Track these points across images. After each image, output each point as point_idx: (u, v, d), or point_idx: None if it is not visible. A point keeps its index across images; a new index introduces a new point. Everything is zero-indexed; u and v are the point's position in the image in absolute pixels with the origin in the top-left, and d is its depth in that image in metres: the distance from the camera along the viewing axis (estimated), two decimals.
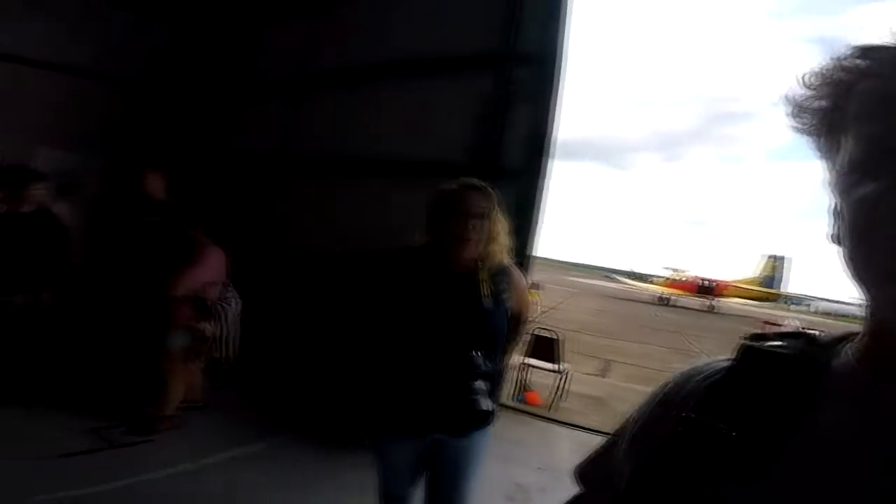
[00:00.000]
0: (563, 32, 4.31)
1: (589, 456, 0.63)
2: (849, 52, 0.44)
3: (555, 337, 5.09)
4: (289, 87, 5.98)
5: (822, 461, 0.41)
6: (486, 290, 1.60)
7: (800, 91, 0.47)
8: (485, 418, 1.51)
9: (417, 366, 1.54)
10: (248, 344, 3.40)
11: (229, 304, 3.20)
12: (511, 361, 4.85)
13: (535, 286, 16.11)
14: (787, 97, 0.48)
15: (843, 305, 56.38)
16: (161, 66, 6.73)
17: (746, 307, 32.85)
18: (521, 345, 4.35)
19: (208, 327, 3.02)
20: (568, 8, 4.35)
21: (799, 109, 0.48)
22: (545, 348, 5.04)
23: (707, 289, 32.31)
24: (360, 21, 5.56)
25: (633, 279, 41.82)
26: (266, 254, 5.56)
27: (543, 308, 14.40)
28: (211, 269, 3.10)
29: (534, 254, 4.47)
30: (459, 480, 1.70)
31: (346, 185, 5.17)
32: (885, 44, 0.42)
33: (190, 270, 3.00)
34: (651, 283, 36.46)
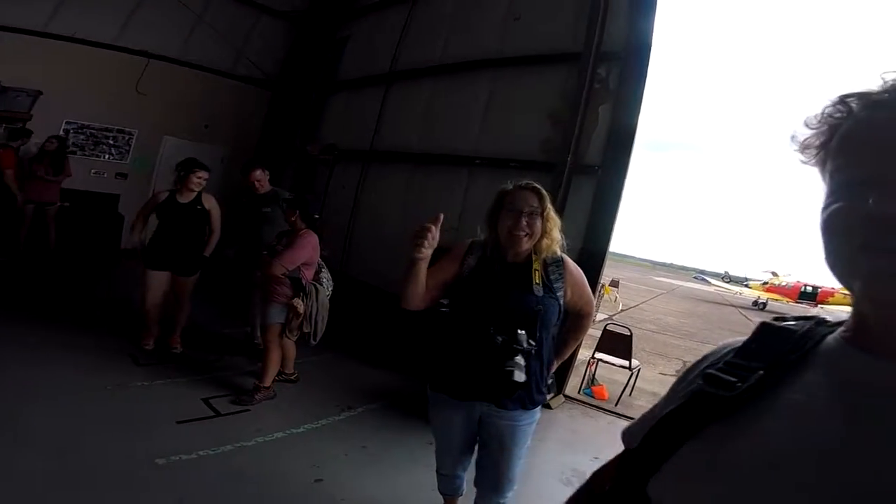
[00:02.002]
0: (650, 31, 4.26)
1: (635, 419, 0.76)
2: (838, 97, 0.55)
3: (627, 333, 5.06)
4: (377, 87, 6.43)
5: (795, 408, 0.52)
6: (537, 278, 1.77)
7: (803, 131, 0.57)
8: (515, 387, 1.68)
9: (470, 339, 1.74)
10: (336, 320, 3.71)
11: (321, 284, 3.49)
12: (581, 355, 4.96)
13: (614, 283, 15.69)
14: (793, 136, 0.58)
15: None
16: (287, 69, 7.64)
17: None
18: (589, 339, 4.41)
19: (301, 304, 3.32)
20: (655, 6, 4.27)
21: (802, 147, 0.57)
22: (617, 344, 5.03)
23: (810, 295, 29.34)
24: (445, 18, 5.81)
25: (726, 282, 38.98)
26: (356, 237, 6.06)
27: (624, 306, 14.00)
28: (306, 251, 3.38)
29: (610, 250, 4.46)
30: (503, 458, 1.86)
31: (435, 175, 5.47)
32: (863, 90, 0.53)
33: (288, 253, 3.32)
34: (747, 286, 33.77)
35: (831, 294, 30.10)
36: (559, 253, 1.86)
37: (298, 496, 2.49)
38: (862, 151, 0.52)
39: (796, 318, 0.63)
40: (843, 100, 0.54)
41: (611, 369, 5.19)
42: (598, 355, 5.06)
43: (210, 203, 3.89)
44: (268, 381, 3.45)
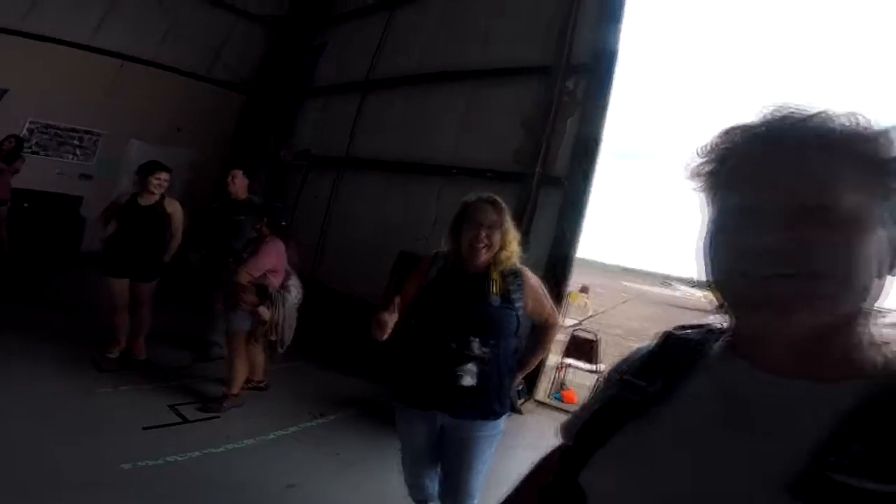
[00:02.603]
0: (615, 43, 4.46)
1: (569, 415, 0.85)
2: (724, 129, 0.62)
3: (594, 338, 5.23)
4: (353, 94, 6.47)
5: (687, 406, 0.63)
6: (494, 288, 1.83)
7: (695, 159, 0.63)
8: (465, 393, 1.76)
9: (427, 348, 1.82)
10: (307, 328, 3.71)
11: (288, 292, 3.46)
12: (551, 360, 5.09)
13: (584, 289, 16.00)
14: (686, 164, 0.64)
15: None
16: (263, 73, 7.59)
17: None
18: (556, 345, 4.53)
19: (266, 312, 3.29)
20: (621, 20, 4.48)
21: (693, 174, 0.63)
22: (584, 349, 5.20)
23: None
24: (422, 31, 5.91)
25: (691, 286, 40.19)
26: (328, 245, 6.08)
27: (592, 312, 14.28)
28: (271, 258, 3.37)
29: (580, 256, 4.60)
30: (462, 470, 1.89)
31: (410, 184, 5.53)
32: (746, 123, 0.60)
33: (253, 260, 3.30)
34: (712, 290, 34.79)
35: None
36: (518, 265, 1.92)
37: (269, 502, 2.49)
38: (741, 182, 0.58)
39: (694, 327, 0.71)
40: (728, 132, 0.60)
41: (579, 374, 5.34)
42: (567, 360, 5.20)
43: (173, 207, 3.81)
44: (236, 389, 3.42)
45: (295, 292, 3.54)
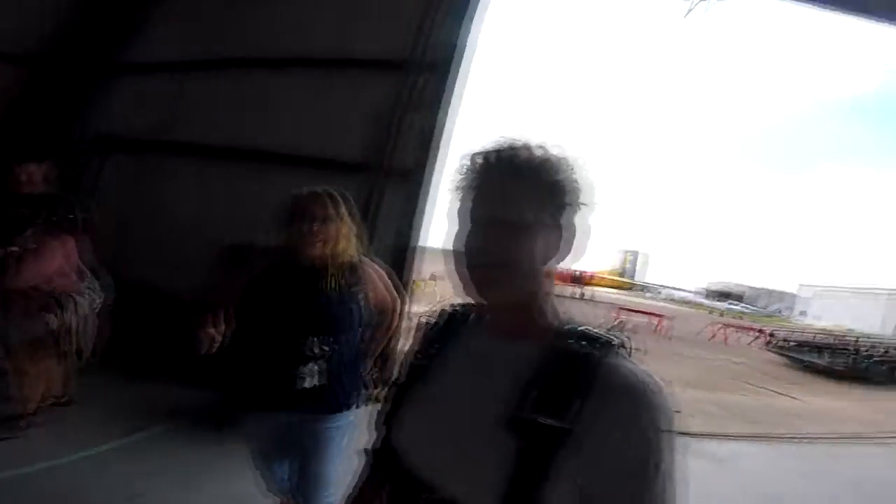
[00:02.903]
0: (470, 42, 4.73)
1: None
2: (471, 153, 0.83)
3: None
4: (177, 74, 5.69)
5: (454, 367, 0.86)
6: (330, 283, 1.78)
7: (455, 176, 0.84)
8: (307, 394, 1.70)
9: (261, 348, 1.75)
10: (121, 335, 3.35)
11: (81, 295, 3.00)
12: (399, 347, 5.24)
13: (433, 277, 16.70)
14: (451, 179, 0.84)
15: (686, 293, 65.80)
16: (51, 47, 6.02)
17: (611, 295, 37.24)
18: (404, 332, 4.75)
19: (53, 319, 2.83)
20: (476, 20, 4.77)
21: (453, 188, 0.84)
22: None
23: (578, 279, 35.77)
24: (266, 14, 5.46)
25: None
26: (141, 240, 5.28)
27: (441, 297, 15.01)
28: (55, 259, 2.89)
29: (418, 245, 4.83)
30: (314, 465, 1.81)
31: (234, 174, 5.13)
32: (484, 149, 0.82)
33: (32, 261, 2.79)
34: None
35: (592, 277, 37.31)
36: (357, 257, 1.88)
37: None
38: (469, 196, 0.82)
39: (462, 305, 0.95)
40: (472, 157, 0.82)
41: None
42: None
43: None
44: (30, 407, 2.89)
45: (91, 295, 3.06)
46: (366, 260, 1.94)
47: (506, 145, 0.80)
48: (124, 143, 5.73)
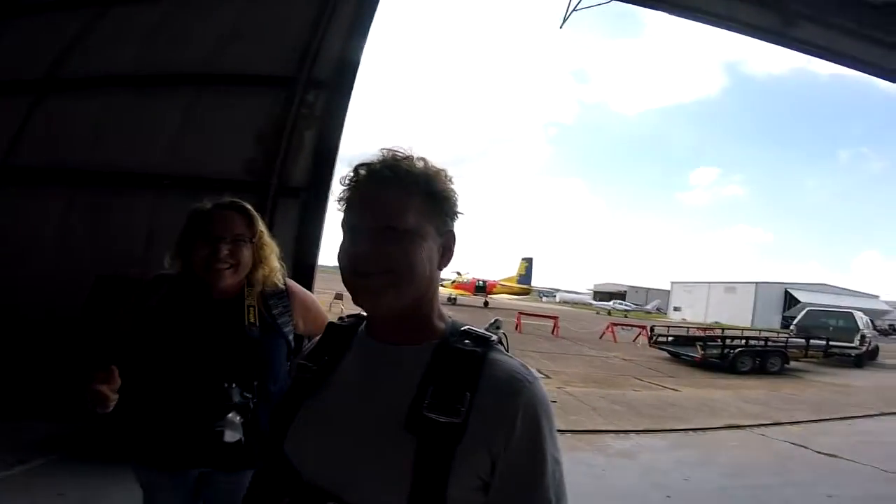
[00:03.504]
0: (358, 59, 4.65)
1: None
2: (355, 165, 0.84)
3: None
4: (28, 91, 4.94)
5: (345, 376, 0.85)
6: (251, 316, 1.50)
7: (339, 187, 0.85)
8: (230, 449, 1.40)
9: (167, 397, 1.44)
10: None
11: None
12: None
13: (338, 297, 16.21)
14: (335, 191, 0.87)
15: (577, 295, 70.75)
16: None
17: (513, 301, 38.88)
18: None
19: None
20: (367, 37, 4.70)
21: (337, 199, 0.85)
22: None
23: (482, 288, 36.87)
24: (139, 30, 4.98)
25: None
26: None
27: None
28: None
29: (327, 264, 4.62)
30: None
31: (110, 198, 4.60)
32: (367, 161, 0.83)
33: None
34: (442, 285, 39.75)
35: (494, 286, 38.74)
36: (282, 281, 1.61)
37: None
38: (353, 207, 0.82)
39: (352, 316, 0.95)
40: (355, 168, 0.83)
41: None
42: None
43: None
44: None
45: None
46: (292, 283, 1.66)
47: (389, 156, 0.82)
48: None
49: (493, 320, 0.89)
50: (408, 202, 0.79)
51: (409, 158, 0.82)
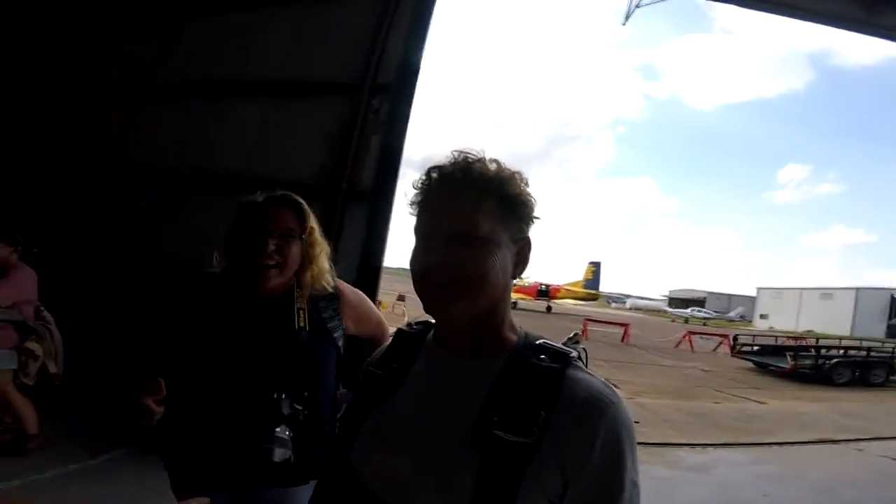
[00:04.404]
0: (419, 62, 4.75)
1: None
2: (427, 168, 0.82)
3: None
4: (129, 97, 5.46)
5: (413, 386, 0.83)
6: (301, 320, 1.38)
7: (411, 191, 0.83)
8: (279, 468, 1.29)
9: (211, 408, 1.32)
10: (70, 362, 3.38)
11: (50, 324, 3.22)
12: None
13: (401, 298, 16.56)
14: (406, 194, 0.84)
15: (651, 301, 67.46)
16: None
17: (577, 306, 37.78)
18: None
19: (37, 347, 3.10)
20: (426, 41, 4.79)
21: (409, 204, 0.83)
22: None
23: (544, 292, 36.14)
24: (220, 39, 5.38)
25: None
26: (92, 274, 4.97)
27: (409, 318, 14.88)
28: (27, 289, 3.14)
29: (395, 266, 4.78)
30: None
31: (189, 201, 4.92)
32: (440, 164, 0.80)
33: (6, 290, 3.02)
34: None
35: (558, 290, 37.85)
36: (332, 283, 1.50)
37: None
38: (425, 212, 0.80)
39: (420, 323, 0.93)
40: (427, 171, 0.81)
41: None
42: None
43: None
44: (31, 427, 3.14)
45: (53, 323, 3.27)
46: (341, 284, 1.55)
47: (461, 158, 0.79)
48: (71, 167, 5.39)
49: (571, 334, 0.89)
50: (481, 207, 0.76)
51: (481, 161, 0.79)
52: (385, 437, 0.80)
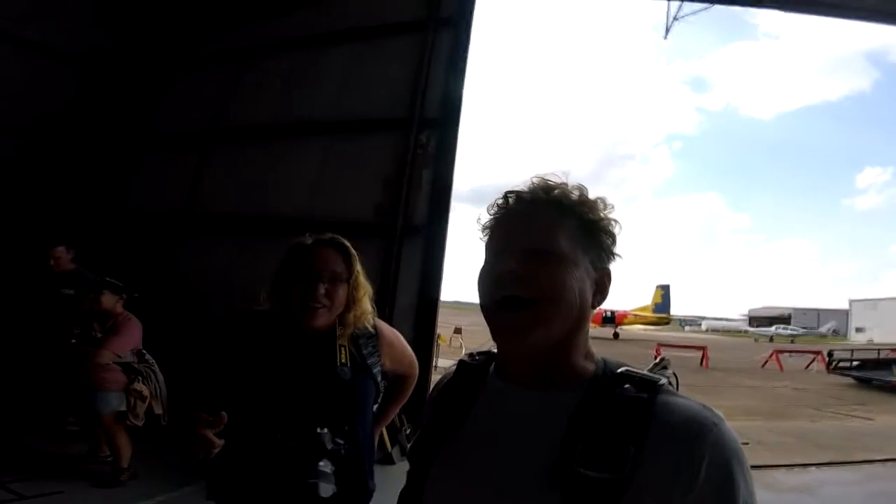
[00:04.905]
0: (460, 95, 4.91)
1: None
2: (504, 192, 0.80)
3: None
4: (197, 143, 5.93)
5: (480, 423, 0.77)
6: (343, 356, 1.43)
7: (485, 216, 0.80)
8: (325, 502, 1.31)
9: (256, 443, 1.35)
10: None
11: (153, 366, 3.48)
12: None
13: (458, 330, 16.62)
14: (479, 219, 0.81)
15: (728, 322, 63.08)
16: (58, 125, 6.18)
17: (647, 331, 36.00)
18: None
19: (145, 388, 3.33)
20: (465, 71, 4.99)
21: (482, 228, 0.80)
22: None
23: (610, 319, 34.78)
24: (276, 81, 5.76)
25: None
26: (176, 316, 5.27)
27: (466, 350, 14.81)
28: (135, 336, 3.44)
29: (451, 299, 4.86)
30: None
31: (254, 243, 5.14)
32: (518, 188, 0.78)
33: (116, 339, 3.32)
34: None
35: (625, 316, 36.37)
36: (371, 324, 1.55)
37: None
38: (499, 230, 0.78)
39: (482, 353, 0.88)
40: (506, 194, 0.79)
41: None
42: None
43: None
44: (125, 461, 3.38)
45: (156, 366, 3.55)
46: (381, 322, 1.61)
47: (540, 183, 0.77)
48: (154, 216, 5.89)
49: (657, 359, 0.80)
50: (560, 224, 0.73)
51: (563, 185, 0.76)
52: (455, 477, 0.74)
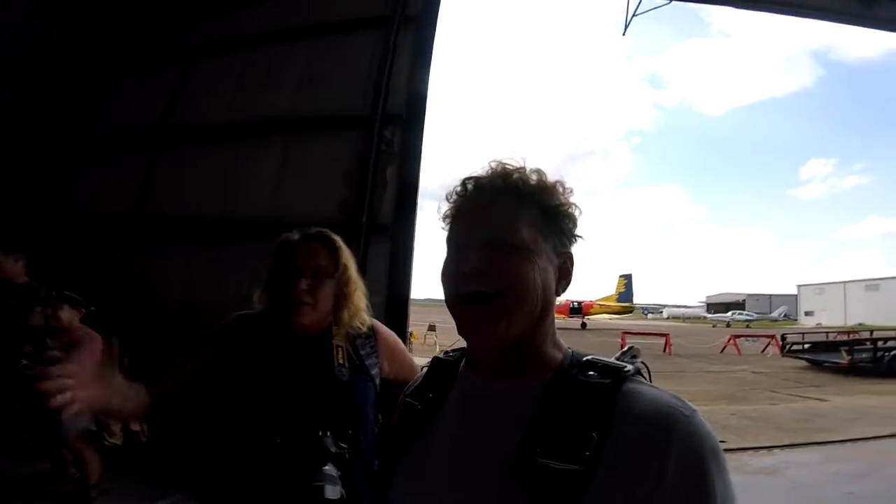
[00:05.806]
0: (425, 91, 4.79)
1: None
2: (462, 179, 0.78)
3: None
4: (145, 146, 5.57)
5: (448, 417, 0.77)
6: (340, 357, 1.38)
7: (444, 205, 0.79)
8: None
9: (255, 449, 1.30)
10: None
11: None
12: None
13: (432, 328, 16.55)
14: (439, 208, 0.80)
15: (688, 309, 65.48)
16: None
17: (613, 321, 36.98)
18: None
19: None
20: (431, 68, 4.87)
21: (442, 217, 0.79)
22: None
23: (577, 309, 35.57)
24: (230, 79, 5.50)
25: None
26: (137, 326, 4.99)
27: (440, 347, 14.76)
28: (95, 353, 3.22)
29: (422, 297, 4.76)
30: None
31: (210, 248, 4.95)
32: (475, 174, 0.76)
33: (79, 358, 3.04)
34: None
35: (591, 306, 37.25)
36: (368, 321, 1.49)
37: None
38: (460, 221, 0.76)
39: (456, 350, 0.87)
40: (464, 181, 0.77)
41: None
42: None
43: None
44: (94, 478, 3.25)
45: None
46: (378, 323, 1.54)
47: (498, 168, 0.75)
48: (99, 223, 5.49)
49: (626, 348, 0.79)
50: (520, 214, 0.72)
51: (521, 170, 0.75)
52: (421, 474, 0.74)
